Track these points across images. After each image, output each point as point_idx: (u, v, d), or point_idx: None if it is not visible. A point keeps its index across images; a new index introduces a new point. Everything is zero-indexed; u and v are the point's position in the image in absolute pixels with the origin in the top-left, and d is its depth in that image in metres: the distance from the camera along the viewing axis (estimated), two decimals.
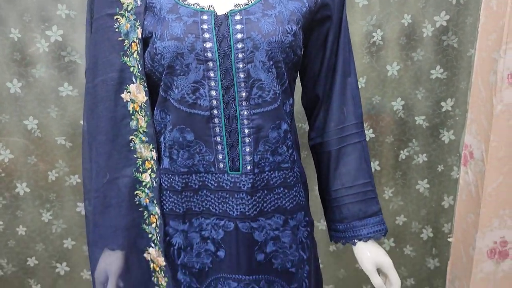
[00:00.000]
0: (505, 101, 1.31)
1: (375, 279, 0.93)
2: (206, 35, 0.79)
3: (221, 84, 0.81)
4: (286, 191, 0.88)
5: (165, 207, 0.89)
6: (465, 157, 1.50)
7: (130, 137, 0.88)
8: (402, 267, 1.63)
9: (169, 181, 0.87)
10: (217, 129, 0.83)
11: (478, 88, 1.39)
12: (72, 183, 1.43)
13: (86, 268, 1.53)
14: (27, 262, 1.50)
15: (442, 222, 1.59)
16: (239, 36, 0.79)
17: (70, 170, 1.41)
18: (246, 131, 0.82)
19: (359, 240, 0.94)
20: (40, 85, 1.32)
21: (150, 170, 0.89)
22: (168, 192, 0.88)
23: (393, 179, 1.50)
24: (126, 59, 0.85)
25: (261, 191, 0.85)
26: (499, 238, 1.46)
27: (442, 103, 1.44)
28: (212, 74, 0.80)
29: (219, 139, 0.83)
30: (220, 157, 0.84)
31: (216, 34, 0.80)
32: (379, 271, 0.95)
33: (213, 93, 0.81)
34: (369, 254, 0.94)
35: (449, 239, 1.61)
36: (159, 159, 0.88)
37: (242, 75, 0.80)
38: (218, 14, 0.81)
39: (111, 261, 0.93)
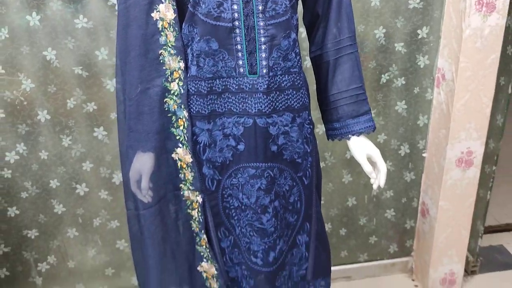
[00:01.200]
0: (472, 25, 1.50)
1: (366, 166, 1.13)
2: None
3: None
4: (294, 92, 1.06)
5: (192, 110, 1.06)
6: (438, 79, 1.70)
7: (160, 51, 1.03)
8: None
9: (196, 86, 1.04)
10: (238, 39, 0.99)
11: (450, 15, 1.58)
12: (89, 110, 1.57)
13: (103, 188, 1.70)
14: (50, 184, 1.66)
15: (417, 139, 1.81)
16: None
17: (87, 98, 1.55)
18: (262, 39, 0.99)
19: (353, 135, 1.14)
20: (57, 18, 1.44)
21: (178, 79, 1.05)
22: (195, 96, 1.05)
23: (375, 100, 1.70)
24: None
25: (274, 92, 1.03)
26: (466, 148, 1.69)
27: (419, 31, 1.63)
28: None
29: (240, 47, 1.00)
30: (241, 63, 1.00)
31: None
32: (369, 161, 1.15)
33: (235, 7, 0.96)
34: (361, 146, 1.13)
35: (423, 155, 1.83)
36: (186, 69, 1.04)
37: None
38: None
39: (144, 162, 1.10)
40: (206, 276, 1.23)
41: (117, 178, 1.68)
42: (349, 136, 1.14)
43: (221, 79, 1.03)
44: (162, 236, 1.18)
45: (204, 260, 1.20)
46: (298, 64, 1.05)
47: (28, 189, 1.64)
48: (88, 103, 1.56)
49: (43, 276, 1.81)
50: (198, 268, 1.23)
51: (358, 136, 1.14)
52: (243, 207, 1.12)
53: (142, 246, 1.19)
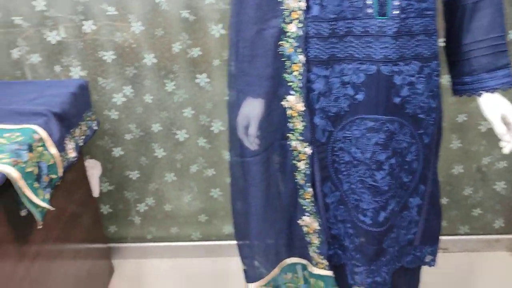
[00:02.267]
0: None
1: (499, 127, 1.00)
2: None
3: None
4: (426, 38, 0.95)
5: (309, 54, 0.99)
6: None
7: None
8: None
9: (316, 28, 0.96)
10: None
11: None
12: (193, 55, 1.56)
13: (202, 136, 1.70)
14: (152, 128, 1.69)
15: None
16: None
17: (193, 43, 1.54)
18: None
19: (486, 91, 1.01)
20: None
21: (296, 20, 0.98)
22: (315, 39, 0.97)
23: None
24: None
25: (404, 36, 0.93)
26: None
27: None
28: None
29: None
30: (369, 2, 0.91)
31: None
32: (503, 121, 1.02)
33: None
34: (495, 104, 1.01)
35: None
36: (307, 9, 0.97)
37: None
38: None
39: (254, 108, 1.06)
40: (307, 231, 1.19)
41: (216, 127, 1.68)
42: (481, 92, 1.01)
43: (345, 21, 0.94)
44: (266, 185, 1.15)
45: (306, 214, 1.16)
46: (434, 6, 0.93)
47: (132, 131, 1.69)
48: (193, 48, 1.54)
49: (142, 216, 1.89)
50: (299, 221, 1.19)
51: (492, 92, 1.01)
52: (355, 162, 1.04)
53: (245, 194, 1.17)
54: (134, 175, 1.79)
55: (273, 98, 1.06)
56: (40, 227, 1.14)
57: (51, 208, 1.15)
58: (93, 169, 1.64)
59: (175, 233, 1.93)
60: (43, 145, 1.21)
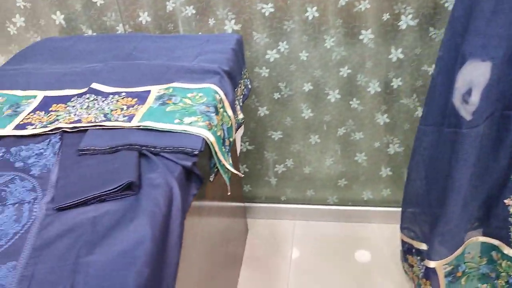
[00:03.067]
0: None
1: None
2: None
3: None
4: None
5: None
6: None
7: None
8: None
9: None
10: None
11: None
12: (361, 9, 1.41)
13: (356, 97, 1.58)
14: (303, 87, 1.59)
15: None
16: None
17: None
18: None
19: None
20: None
21: None
22: None
23: None
24: None
25: None
26: None
27: None
28: None
29: None
30: None
31: None
32: None
33: None
34: None
35: None
36: None
37: None
38: None
39: (481, 72, 0.92)
40: None
41: (373, 87, 1.54)
42: None
43: None
44: (476, 160, 1.02)
45: None
46: None
47: (281, 90, 1.60)
48: (361, 1, 1.39)
49: (278, 178, 1.83)
50: (506, 201, 1.06)
51: None
52: None
53: (452, 167, 1.05)
54: (276, 135, 1.71)
55: (506, 62, 0.91)
56: (229, 193, 1.10)
57: (241, 175, 1.10)
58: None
59: (310, 196, 1.86)
60: (223, 107, 1.15)
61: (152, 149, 0.93)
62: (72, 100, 1.12)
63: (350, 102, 1.59)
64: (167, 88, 1.13)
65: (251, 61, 1.55)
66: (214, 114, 1.05)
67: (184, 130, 0.97)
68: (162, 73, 1.20)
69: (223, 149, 1.07)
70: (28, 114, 1.09)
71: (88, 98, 1.11)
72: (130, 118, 1.01)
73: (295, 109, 1.63)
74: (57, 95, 1.16)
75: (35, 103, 1.13)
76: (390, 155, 1.69)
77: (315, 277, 1.66)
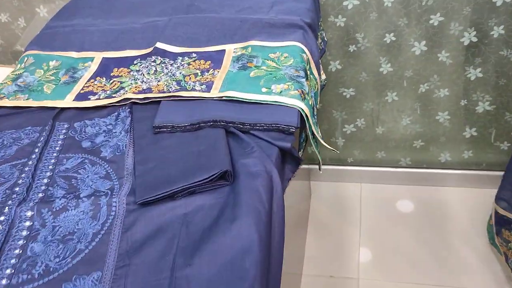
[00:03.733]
0: None
1: None
2: None
3: None
4: None
5: None
6: None
7: None
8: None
9: None
10: None
11: None
12: None
13: (446, 49, 1.37)
14: (384, 38, 1.38)
15: None
16: None
17: None
18: None
19: None
20: None
21: None
22: None
23: None
24: None
25: None
26: None
27: None
28: None
29: None
30: None
31: None
32: None
33: None
34: None
35: None
36: None
37: None
38: None
39: None
40: None
41: (467, 37, 1.33)
42: None
43: None
44: None
45: None
46: None
47: (358, 42, 1.40)
48: None
49: (346, 138, 1.67)
50: None
51: None
52: None
53: None
54: (348, 92, 1.53)
55: None
56: (321, 172, 0.95)
57: (337, 151, 0.94)
58: None
59: (381, 158, 1.70)
60: (310, 68, 0.97)
61: (241, 126, 0.77)
62: (135, 63, 0.97)
63: (438, 55, 1.38)
64: (245, 47, 0.96)
65: (324, 9, 1.35)
66: (304, 79, 0.88)
67: (276, 101, 0.81)
68: (235, 28, 1.03)
69: (314, 120, 0.91)
70: (88, 81, 0.95)
71: (154, 61, 0.96)
72: (209, 86, 0.86)
73: (372, 63, 1.44)
74: (116, 56, 1.01)
75: (93, 66, 0.99)
76: (478, 114, 1.49)
77: (387, 243, 1.53)
